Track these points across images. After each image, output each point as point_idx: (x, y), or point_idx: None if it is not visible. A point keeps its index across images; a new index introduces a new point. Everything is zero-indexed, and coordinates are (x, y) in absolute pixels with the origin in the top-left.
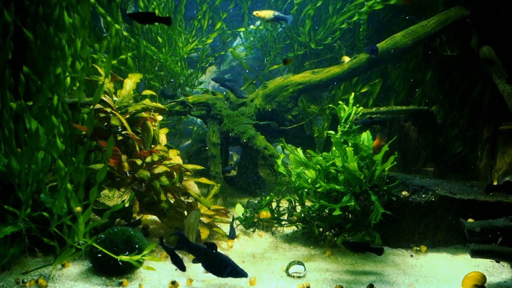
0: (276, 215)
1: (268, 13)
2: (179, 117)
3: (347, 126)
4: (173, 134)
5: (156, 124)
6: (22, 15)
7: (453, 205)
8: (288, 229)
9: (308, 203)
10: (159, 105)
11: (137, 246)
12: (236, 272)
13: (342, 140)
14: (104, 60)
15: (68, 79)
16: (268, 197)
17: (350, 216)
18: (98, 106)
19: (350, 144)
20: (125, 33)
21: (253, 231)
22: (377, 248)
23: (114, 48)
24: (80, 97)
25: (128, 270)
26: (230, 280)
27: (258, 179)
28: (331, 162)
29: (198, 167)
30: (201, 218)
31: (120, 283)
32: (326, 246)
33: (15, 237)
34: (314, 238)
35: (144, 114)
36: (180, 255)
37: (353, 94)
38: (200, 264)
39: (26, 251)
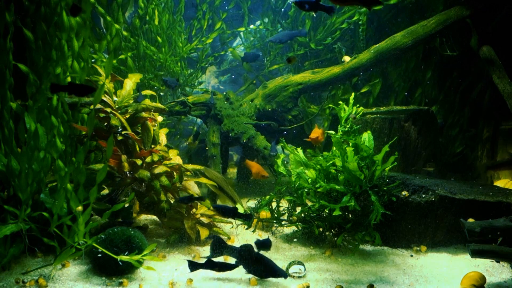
0: (276, 215)
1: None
2: (179, 117)
3: (347, 126)
4: (173, 134)
5: (156, 124)
6: (22, 15)
7: (453, 205)
8: (288, 229)
9: (308, 203)
10: (159, 105)
11: (137, 246)
12: (275, 272)
13: (343, 140)
14: (104, 60)
15: (68, 79)
16: (267, 197)
17: (350, 216)
18: (98, 106)
19: (350, 144)
20: (124, 33)
21: (253, 231)
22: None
23: (114, 48)
24: (80, 97)
25: (128, 270)
26: (231, 280)
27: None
28: (331, 162)
29: (198, 167)
30: (201, 218)
31: (120, 283)
32: (326, 246)
33: (15, 237)
34: (314, 238)
35: (144, 114)
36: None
37: (353, 94)
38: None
39: (26, 251)
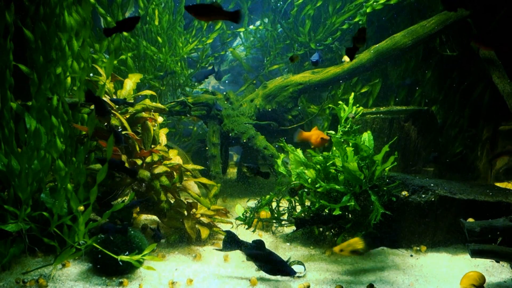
0: (276, 215)
1: None
2: (179, 117)
3: (347, 126)
4: (173, 134)
5: (156, 124)
6: (22, 15)
7: (453, 205)
8: (288, 229)
9: (308, 203)
10: (159, 105)
11: (137, 246)
12: (283, 269)
13: (342, 140)
14: (105, 60)
15: (69, 79)
16: (268, 197)
17: (350, 216)
18: None
19: (350, 144)
20: (125, 33)
21: (253, 231)
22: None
23: (115, 48)
24: (80, 97)
25: (128, 270)
26: (231, 279)
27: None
28: (331, 162)
29: (198, 167)
30: (201, 218)
31: (120, 283)
32: (326, 246)
33: (15, 237)
34: (314, 238)
35: (144, 114)
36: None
37: (353, 94)
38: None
39: (26, 251)
